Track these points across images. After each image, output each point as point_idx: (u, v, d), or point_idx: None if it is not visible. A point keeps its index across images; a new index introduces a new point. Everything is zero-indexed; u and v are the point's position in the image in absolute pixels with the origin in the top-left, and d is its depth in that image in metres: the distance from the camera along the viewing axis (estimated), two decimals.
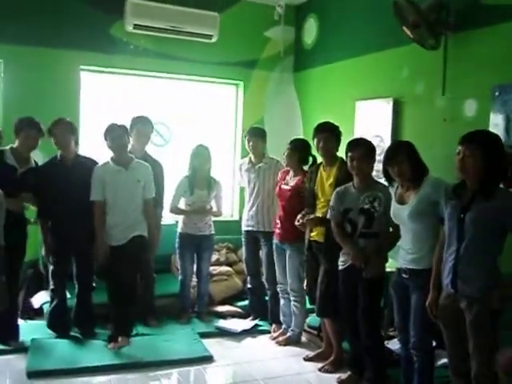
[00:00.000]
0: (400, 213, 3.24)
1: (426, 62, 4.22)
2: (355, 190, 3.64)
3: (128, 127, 4.42)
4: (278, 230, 4.46)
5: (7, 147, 4.18)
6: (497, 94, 3.64)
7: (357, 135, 4.80)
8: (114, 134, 4.17)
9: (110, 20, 5.32)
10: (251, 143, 4.80)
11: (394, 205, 3.31)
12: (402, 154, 3.21)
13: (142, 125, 4.66)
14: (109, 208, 4.19)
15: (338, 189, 3.74)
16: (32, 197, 4.17)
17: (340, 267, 3.71)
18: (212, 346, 4.38)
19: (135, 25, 5.24)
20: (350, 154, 3.62)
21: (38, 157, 4.40)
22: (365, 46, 4.97)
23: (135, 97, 5.61)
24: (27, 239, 4.23)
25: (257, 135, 4.83)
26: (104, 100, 5.52)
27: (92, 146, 4.97)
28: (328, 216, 3.77)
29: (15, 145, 4.13)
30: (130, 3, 5.17)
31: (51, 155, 4.36)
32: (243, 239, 5.00)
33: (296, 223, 4.09)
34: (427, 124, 4.26)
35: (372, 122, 4.79)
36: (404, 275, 3.23)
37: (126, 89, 5.61)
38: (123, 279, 4.16)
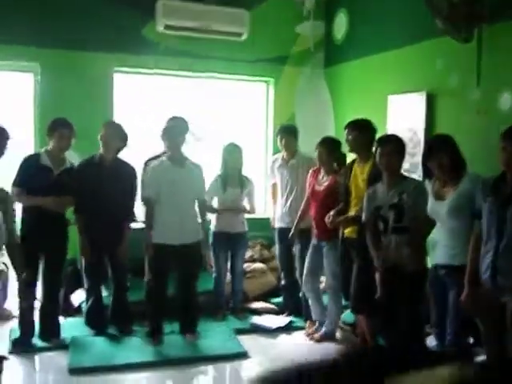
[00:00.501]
0: (438, 209, 3.21)
1: (459, 53, 4.13)
2: (384, 186, 3.62)
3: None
4: (314, 230, 4.46)
5: (42, 149, 4.28)
6: None
7: (389, 129, 4.77)
8: (172, 132, 4.25)
9: (141, 21, 5.38)
10: (284, 141, 4.82)
11: (431, 201, 3.28)
12: (443, 147, 3.19)
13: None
14: (163, 205, 4.22)
15: (367, 190, 3.73)
16: (71, 199, 4.25)
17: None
18: (247, 342, 4.42)
19: (166, 25, 5.29)
20: (379, 150, 3.62)
21: (74, 157, 4.49)
22: (396, 40, 4.88)
23: (167, 96, 5.67)
24: (68, 240, 4.31)
25: (289, 133, 4.84)
26: (137, 100, 5.59)
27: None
28: (363, 219, 3.76)
29: (49, 146, 4.22)
30: (161, 4, 5.22)
31: (86, 155, 4.44)
32: (276, 236, 5.01)
33: (326, 220, 4.09)
34: (461, 117, 4.18)
35: (405, 115, 4.72)
36: (441, 271, 3.20)
37: (158, 88, 5.67)
38: (187, 280, 4.34)
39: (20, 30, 4.98)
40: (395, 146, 3.62)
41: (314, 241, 4.50)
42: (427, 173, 3.31)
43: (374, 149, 3.82)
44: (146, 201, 4.29)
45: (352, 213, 3.98)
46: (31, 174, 4.07)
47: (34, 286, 4.14)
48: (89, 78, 5.22)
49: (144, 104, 5.58)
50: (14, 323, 4.38)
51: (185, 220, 4.24)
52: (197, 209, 4.42)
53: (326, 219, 4.10)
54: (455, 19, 3.72)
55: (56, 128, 4.17)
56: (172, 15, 5.25)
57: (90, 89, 5.22)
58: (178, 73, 5.67)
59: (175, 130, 4.29)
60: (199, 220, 4.42)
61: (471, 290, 2.95)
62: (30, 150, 4.85)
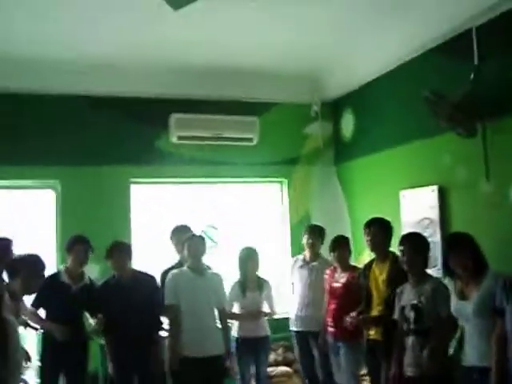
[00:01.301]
0: (463, 309, 3.15)
1: (466, 148, 4.19)
2: (410, 285, 3.60)
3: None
4: (331, 329, 4.40)
5: (62, 267, 4.36)
6: None
7: (403, 225, 4.78)
8: (195, 244, 4.25)
9: (155, 134, 5.61)
10: (310, 241, 4.84)
11: (454, 301, 3.24)
12: (464, 247, 3.18)
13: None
14: (184, 315, 4.12)
15: (398, 288, 3.68)
16: (98, 325, 4.23)
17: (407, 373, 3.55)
18: None
19: (179, 136, 5.52)
20: (399, 248, 3.62)
21: (94, 271, 4.54)
22: (403, 136, 4.98)
23: (183, 202, 5.79)
24: (89, 356, 4.27)
25: (316, 234, 4.89)
26: (154, 209, 5.70)
27: (144, 256, 5.11)
28: (394, 316, 3.69)
29: (68, 263, 4.31)
30: (174, 118, 5.48)
31: (107, 268, 4.47)
32: (294, 340, 4.94)
33: (347, 320, 4.03)
34: (475, 210, 4.16)
35: (418, 209, 4.73)
36: (474, 374, 3.08)
37: (175, 196, 5.80)
38: None
39: (39, 151, 5.21)
40: (412, 243, 3.59)
41: (330, 340, 4.42)
42: (448, 271, 3.28)
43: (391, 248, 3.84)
44: (168, 309, 4.22)
45: (374, 313, 3.93)
46: (50, 292, 4.07)
47: None
48: (106, 190, 5.37)
49: (161, 212, 5.68)
50: None
51: (207, 331, 4.14)
52: (217, 318, 4.33)
53: (347, 320, 4.04)
54: (458, 119, 3.83)
55: (73, 245, 4.28)
56: (185, 127, 5.50)
57: (107, 201, 5.35)
58: (193, 180, 5.82)
59: (198, 242, 4.28)
60: (220, 328, 4.33)
61: None
62: (53, 266, 4.91)
